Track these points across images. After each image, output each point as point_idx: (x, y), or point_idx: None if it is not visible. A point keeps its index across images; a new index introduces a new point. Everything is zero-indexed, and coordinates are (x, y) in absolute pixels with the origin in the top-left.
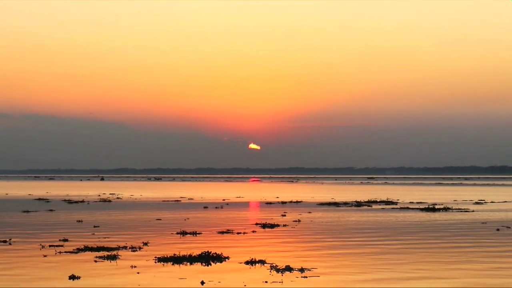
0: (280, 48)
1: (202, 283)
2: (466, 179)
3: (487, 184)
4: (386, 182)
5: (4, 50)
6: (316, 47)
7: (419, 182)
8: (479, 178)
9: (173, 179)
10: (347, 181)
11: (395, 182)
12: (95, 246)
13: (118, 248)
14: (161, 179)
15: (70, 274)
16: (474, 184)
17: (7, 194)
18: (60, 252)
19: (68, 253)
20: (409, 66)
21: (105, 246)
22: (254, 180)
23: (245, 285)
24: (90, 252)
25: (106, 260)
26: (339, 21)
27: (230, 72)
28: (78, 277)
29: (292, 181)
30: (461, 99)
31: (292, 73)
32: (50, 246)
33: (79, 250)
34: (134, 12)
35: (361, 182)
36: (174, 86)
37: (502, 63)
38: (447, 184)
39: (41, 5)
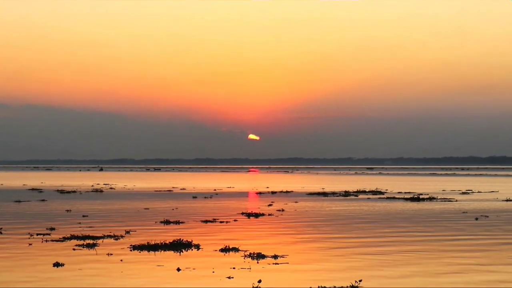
0: (279, 39)
1: (178, 270)
2: (462, 169)
3: (480, 175)
4: (380, 173)
5: (2, 40)
6: (316, 38)
7: (415, 172)
8: (477, 168)
9: (172, 170)
10: (342, 172)
11: (390, 172)
12: (80, 235)
13: (102, 237)
14: (160, 169)
15: (55, 262)
16: (468, 175)
17: (1, 184)
18: (46, 241)
19: (54, 242)
20: (409, 56)
21: (90, 235)
22: (252, 171)
23: (213, 272)
24: (75, 241)
25: (89, 248)
26: (336, 12)
27: (229, 62)
28: (62, 264)
29: (287, 172)
30: (461, 89)
31: (292, 63)
32: (37, 234)
33: (64, 239)
34: (133, 2)
35: (356, 173)
36: (173, 76)
37: (503, 53)
38: (441, 175)
39: None
